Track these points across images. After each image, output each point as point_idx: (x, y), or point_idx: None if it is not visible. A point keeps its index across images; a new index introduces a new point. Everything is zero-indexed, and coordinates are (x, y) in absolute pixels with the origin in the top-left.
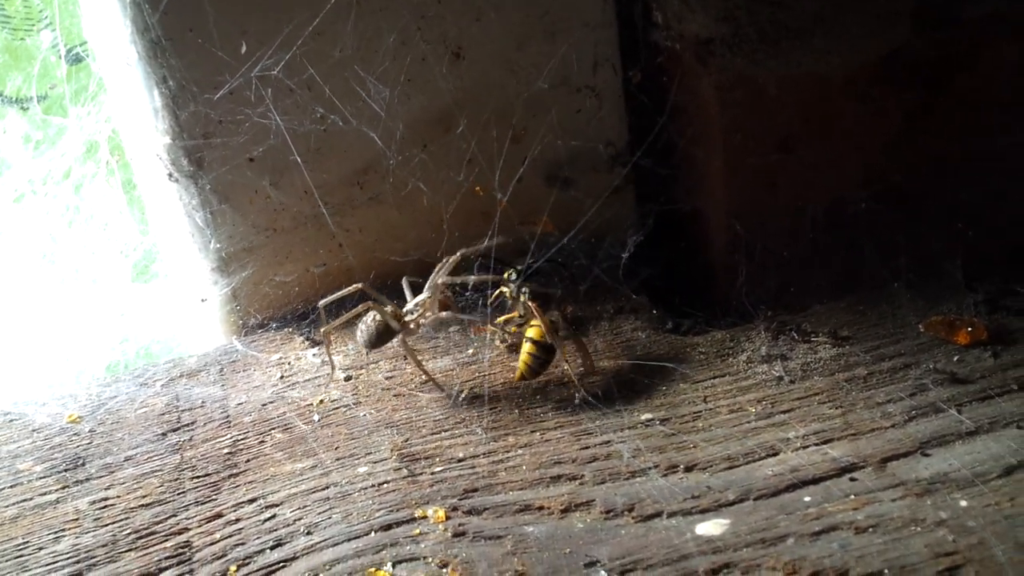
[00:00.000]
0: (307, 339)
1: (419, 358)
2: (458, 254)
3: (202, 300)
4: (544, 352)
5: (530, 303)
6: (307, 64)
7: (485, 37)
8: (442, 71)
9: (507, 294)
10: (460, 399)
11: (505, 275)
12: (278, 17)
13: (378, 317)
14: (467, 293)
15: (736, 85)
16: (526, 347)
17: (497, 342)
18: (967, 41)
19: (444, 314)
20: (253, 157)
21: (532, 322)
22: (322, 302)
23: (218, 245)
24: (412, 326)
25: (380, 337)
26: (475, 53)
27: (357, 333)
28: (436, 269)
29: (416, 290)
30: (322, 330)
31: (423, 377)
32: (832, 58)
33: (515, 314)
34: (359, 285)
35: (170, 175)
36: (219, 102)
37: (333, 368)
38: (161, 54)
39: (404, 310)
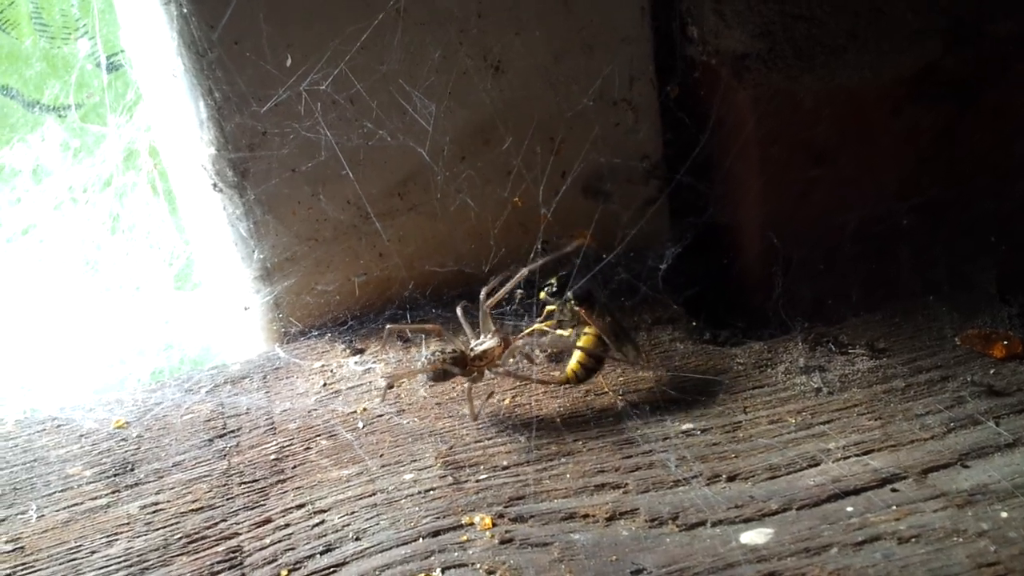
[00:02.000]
0: (348, 347)
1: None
2: (520, 273)
3: (245, 308)
4: (594, 361)
5: (579, 310)
6: (353, 78)
7: (524, 51)
8: (484, 84)
9: (554, 307)
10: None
11: (544, 291)
12: (323, 31)
13: (445, 356)
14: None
15: (772, 99)
16: (577, 355)
17: (538, 352)
18: (996, 57)
19: (511, 361)
20: (296, 169)
21: (585, 330)
22: (391, 326)
23: (261, 255)
24: (477, 374)
25: (443, 376)
26: (515, 67)
27: (420, 364)
28: (487, 301)
29: (470, 319)
30: (387, 327)
31: (465, 386)
32: (866, 73)
33: (551, 322)
34: (437, 326)
35: (215, 185)
36: (265, 115)
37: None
38: (208, 66)
39: (471, 351)
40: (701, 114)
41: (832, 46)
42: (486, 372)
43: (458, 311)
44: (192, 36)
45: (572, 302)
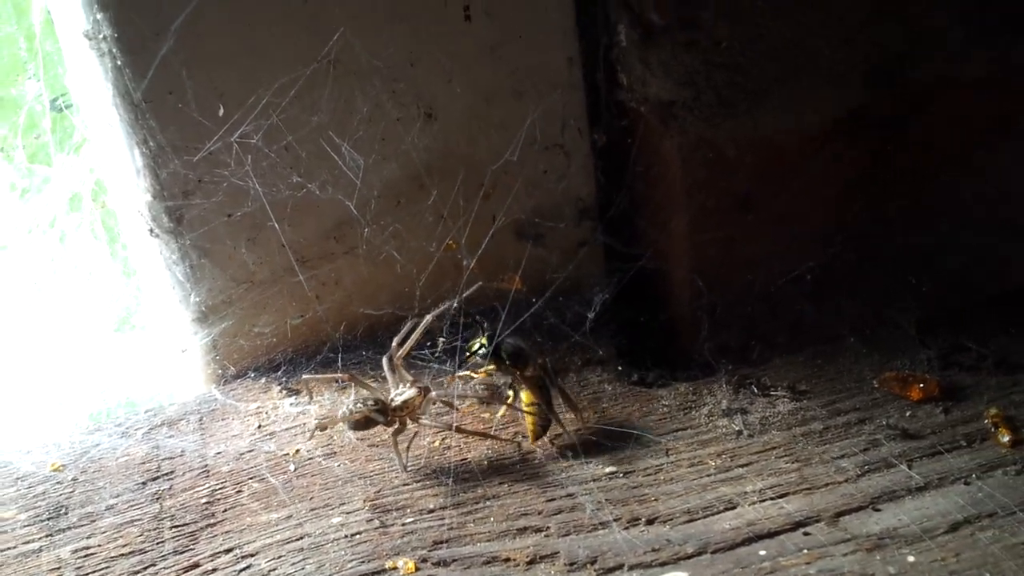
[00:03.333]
0: (284, 388)
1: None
2: (424, 320)
3: (183, 351)
4: (546, 410)
5: (519, 376)
6: (284, 130)
7: (455, 98)
8: (415, 132)
9: (484, 371)
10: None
11: (473, 350)
12: (254, 82)
13: (368, 406)
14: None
15: (697, 147)
16: (528, 410)
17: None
18: (917, 97)
19: (432, 408)
20: (231, 215)
21: (523, 391)
22: (306, 376)
23: (198, 298)
24: (400, 424)
25: (365, 424)
26: (446, 113)
27: (342, 412)
28: (399, 351)
29: (392, 369)
30: (304, 377)
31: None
32: (788, 118)
33: (484, 373)
34: (347, 375)
35: (151, 231)
36: (198, 164)
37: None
38: (141, 116)
39: (391, 402)
40: (631, 159)
41: (754, 92)
42: (408, 422)
43: (383, 361)
44: (126, 87)
45: (507, 363)
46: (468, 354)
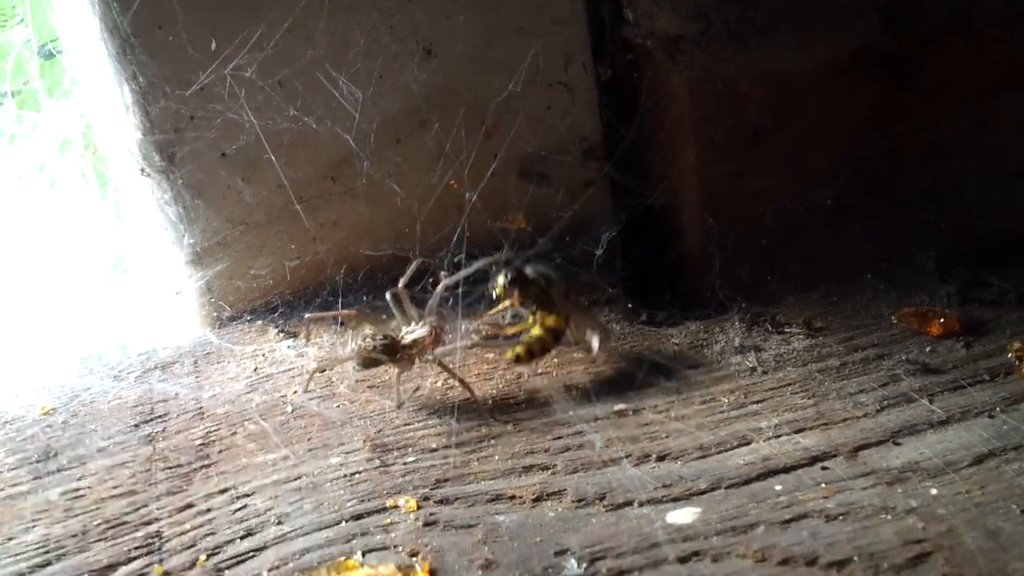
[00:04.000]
0: (281, 331)
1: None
2: (441, 286)
3: (176, 293)
4: (554, 340)
5: (550, 294)
6: (279, 63)
7: (455, 34)
8: (413, 69)
9: (511, 301)
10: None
11: (498, 289)
12: (247, 15)
13: (373, 343)
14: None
15: (705, 81)
16: (536, 332)
17: (473, 335)
18: (932, 34)
19: (439, 350)
20: (225, 153)
21: (547, 314)
22: (308, 316)
23: (192, 239)
24: (407, 362)
25: (372, 363)
26: (446, 50)
27: (350, 348)
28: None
29: (400, 306)
30: (306, 316)
31: (395, 369)
32: (800, 53)
33: (505, 305)
34: (352, 312)
35: (142, 170)
36: (190, 98)
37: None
38: (130, 51)
39: (401, 339)
40: (637, 96)
41: (765, 26)
42: (416, 361)
43: (387, 297)
44: (114, 21)
45: (535, 283)
46: (494, 289)
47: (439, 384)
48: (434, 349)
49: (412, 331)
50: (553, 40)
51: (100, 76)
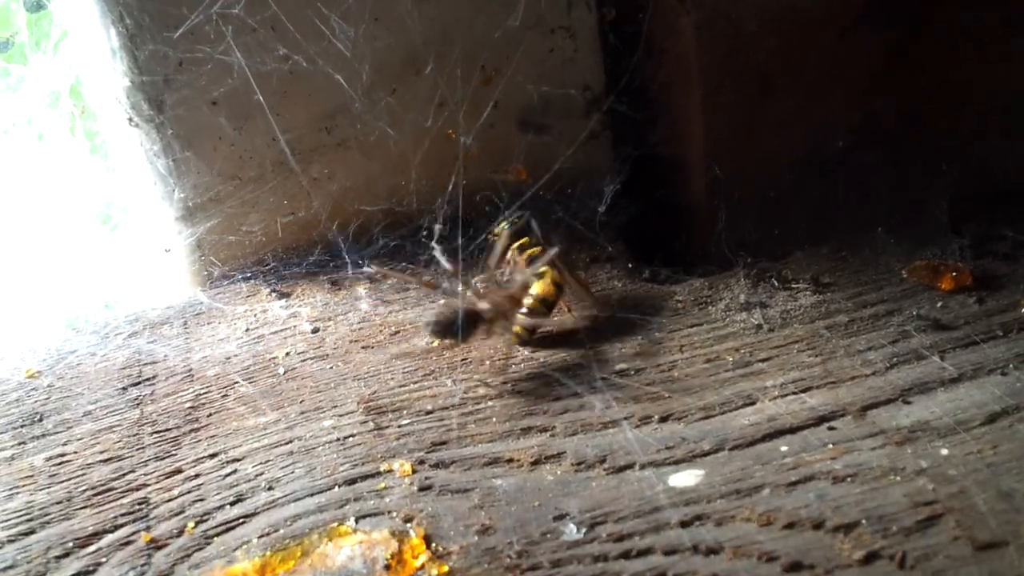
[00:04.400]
0: (273, 291)
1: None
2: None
3: (166, 250)
4: (548, 309)
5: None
6: (269, 1)
7: None
8: (409, 9)
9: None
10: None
11: (497, 231)
12: None
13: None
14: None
15: (714, 23)
16: (528, 302)
17: (469, 294)
18: None
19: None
20: (216, 100)
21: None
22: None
23: (182, 194)
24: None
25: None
26: None
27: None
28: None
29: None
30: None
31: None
32: None
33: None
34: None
35: (130, 120)
36: (179, 41)
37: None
38: None
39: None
40: (641, 41)
41: None
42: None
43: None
44: None
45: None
46: (494, 233)
47: (435, 343)
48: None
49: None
50: None
51: (86, 18)
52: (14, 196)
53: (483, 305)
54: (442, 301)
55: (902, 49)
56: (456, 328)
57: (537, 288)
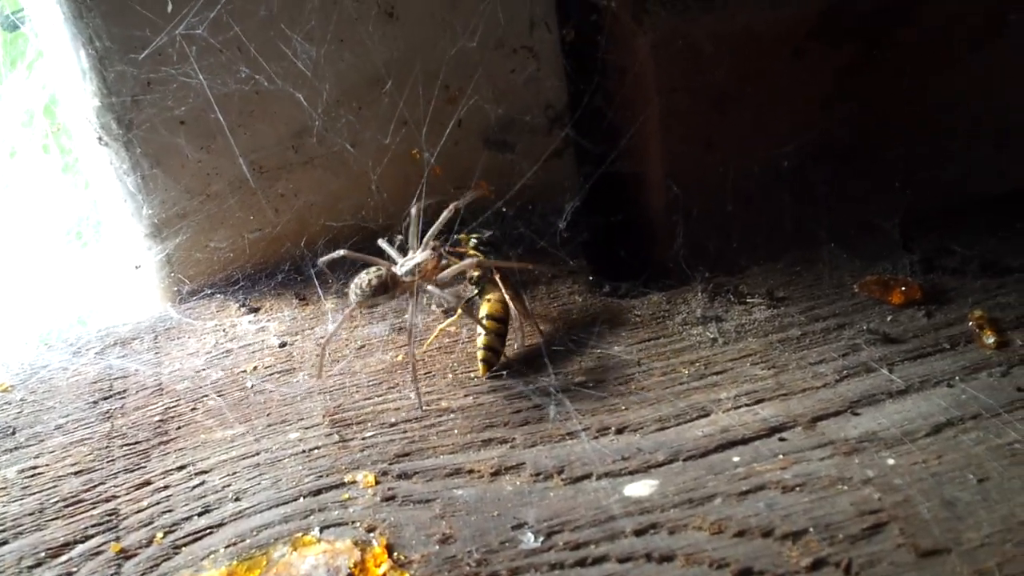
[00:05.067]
0: (242, 306)
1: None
2: (452, 206)
3: (136, 267)
4: (504, 327)
5: (496, 276)
6: (232, 22)
7: None
8: (373, 31)
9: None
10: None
11: (467, 245)
12: None
13: (368, 278)
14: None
15: (671, 43)
16: (489, 325)
17: (434, 307)
18: None
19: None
20: (183, 120)
21: (491, 297)
22: (321, 260)
23: (150, 210)
24: (409, 293)
25: (380, 288)
26: (409, 13)
27: (352, 296)
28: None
29: (392, 246)
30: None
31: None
32: (767, 13)
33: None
34: (343, 252)
35: (100, 139)
36: (145, 62)
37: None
38: (86, 13)
39: (399, 271)
40: (600, 60)
41: None
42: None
43: (380, 243)
44: None
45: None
46: (464, 242)
47: (398, 358)
48: (436, 275)
49: (411, 258)
50: (518, 2)
51: (56, 39)
52: None
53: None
54: (373, 270)
55: (855, 67)
56: (376, 293)
57: (485, 309)
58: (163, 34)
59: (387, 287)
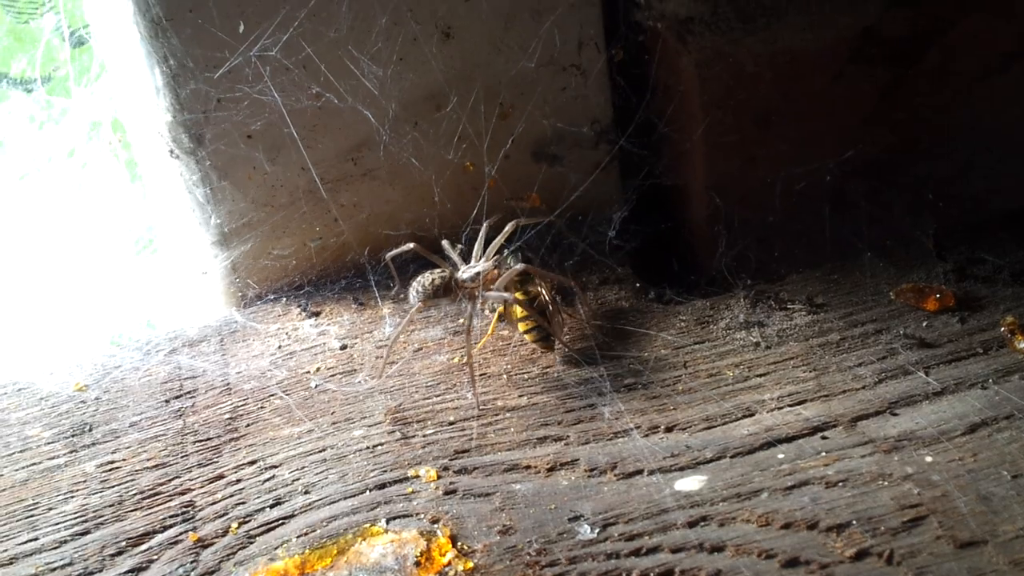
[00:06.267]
0: (304, 310)
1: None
2: (513, 222)
3: (203, 273)
4: (533, 303)
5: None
6: (303, 43)
7: (474, 17)
8: (432, 50)
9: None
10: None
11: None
12: None
13: (432, 278)
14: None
15: (715, 62)
16: (525, 325)
17: (487, 311)
18: (935, 18)
19: (507, 295)
20: (251, 134)
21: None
22: (388, 255)
23: (218, 220)
24: (469, 298)
25: (442, 290)
26: (464, 33)
27: (412, 295)
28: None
29: (455, 249)
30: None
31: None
32: (807, 35)
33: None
34: (412, 245)
35: (171, 152)
36: (219, 80)
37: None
38: (162, 33)
39: (462, 276)
40: (647, 79)
41: (773, 8)
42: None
43: (444, 243)
44: (146, 4)
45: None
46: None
47: (455, 360)
48: (493, 284)
49: (473, 266)
50: (568, 23)
51: (131, 60)
52: (61, 221)
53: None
54: (437, 272)
55: (891, 88)
56: (438, 294)
57: (521, 297)
58: (237, 55)
59: (448, 289)
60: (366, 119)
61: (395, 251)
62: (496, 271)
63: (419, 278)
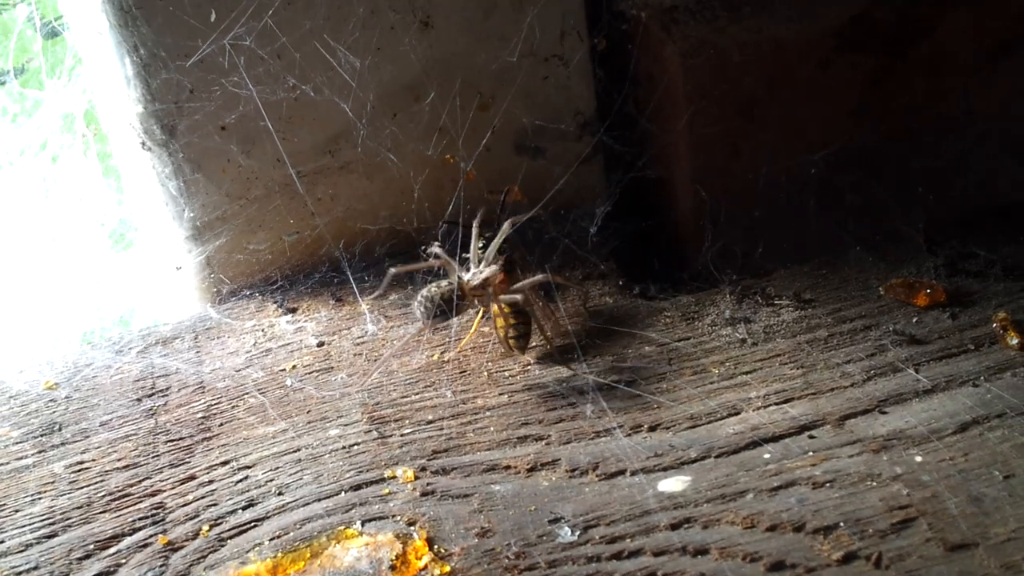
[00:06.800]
0: (280, 306)
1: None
2: (509, 221)
3: (177, 268)
4: (523, 317)
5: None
6: (278, 32)
7: (453, 6)
8: (411, 40)
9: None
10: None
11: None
12: None
13: (439, 291)
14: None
15: (699, 52)
16: (505, 320)
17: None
18: (926, 7)
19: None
20: (225, 125)
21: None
22: (393, 270)
23: (192, 214)
24: (482, 301)
25: (449, 304)
26: (443, 22)
27: (417, 309)
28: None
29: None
30: (392, 271)
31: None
32: (793, 23)
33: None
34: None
35: (143, 144)
36: (190, 70)
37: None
38: (132, 22)
39: (472, 283)
40: (630, 69)
41: None
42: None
43: (434, 249)
44: None
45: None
46: (483, 250)
47: (435, 357)
48: (506, 288)
49: (479, 271)
50: (549, 12)
51: (102, 50)
52: (31, 215)
53: (474, 283)
54: (443, 282)
55: (881, 78)
56: (447, 309)
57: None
58: (209, 43)
59: (457, 299)
60: (343, 111)
61: (382, 287)
62: (505, 275)
63: (424, 291)
